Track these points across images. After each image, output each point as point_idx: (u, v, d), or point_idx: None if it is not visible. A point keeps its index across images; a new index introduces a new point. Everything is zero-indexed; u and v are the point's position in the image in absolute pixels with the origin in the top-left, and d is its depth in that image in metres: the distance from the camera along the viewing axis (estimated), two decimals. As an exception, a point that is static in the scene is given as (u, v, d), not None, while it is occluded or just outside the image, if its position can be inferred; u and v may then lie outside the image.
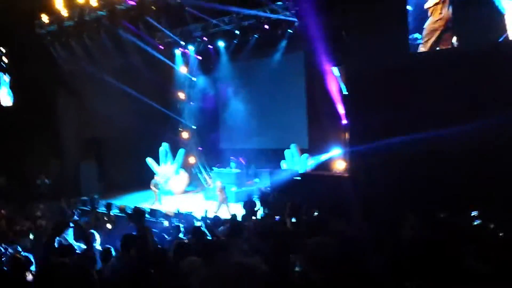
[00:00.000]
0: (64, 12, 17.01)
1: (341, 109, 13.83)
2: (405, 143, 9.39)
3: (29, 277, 5.19)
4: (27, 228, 10.00)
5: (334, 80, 14.49)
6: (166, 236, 8.24)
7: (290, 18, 15.22)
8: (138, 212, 7.73)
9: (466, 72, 9.27)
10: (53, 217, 11.30)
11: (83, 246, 6.41)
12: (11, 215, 12.32)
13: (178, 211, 12.35)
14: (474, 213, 6.97)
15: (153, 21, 16.36)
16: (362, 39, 10.77)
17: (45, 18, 17.69)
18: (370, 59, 10.25)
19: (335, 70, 14.17)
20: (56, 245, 6.74)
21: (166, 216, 12.16)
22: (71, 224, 6.94)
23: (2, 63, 20.43)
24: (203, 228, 7.36)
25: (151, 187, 16.54)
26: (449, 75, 9.52)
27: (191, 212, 12.40)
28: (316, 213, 8.85)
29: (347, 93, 12.84)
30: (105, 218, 11.87)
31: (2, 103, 20.17)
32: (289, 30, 15.86)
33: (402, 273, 4.39)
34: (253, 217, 11.08)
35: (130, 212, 11.88)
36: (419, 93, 9.65)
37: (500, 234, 5.53)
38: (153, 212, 13.55)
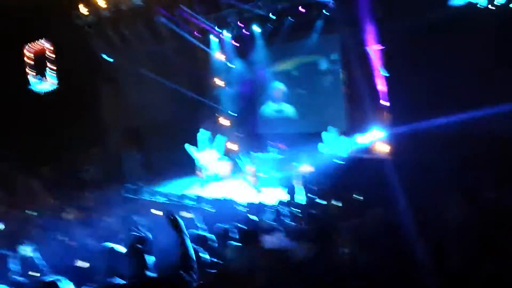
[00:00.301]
0: (101, 3, 17.34)
1: (381, 90, 13.62)
2: (450, 123, 9.20)
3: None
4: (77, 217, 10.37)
5: (372, 61, 14.27)
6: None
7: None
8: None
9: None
10: (103, 207, 11.65)
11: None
12: (62, 204, 12.76)
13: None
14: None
15: (188, 9, 16.46)
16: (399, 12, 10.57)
17: (83, 9, 18.07)
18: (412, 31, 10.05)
19: (374, 50, 13.94)
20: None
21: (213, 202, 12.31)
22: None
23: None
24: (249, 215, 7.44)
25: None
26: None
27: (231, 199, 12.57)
28: (359, 197, 8.82)
29: (387, 73, 12.63)
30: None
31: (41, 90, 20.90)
32: (324, 12, 15.62)
33: (448, 258, 4.35)
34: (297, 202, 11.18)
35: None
36: (463, 65, 9.38)
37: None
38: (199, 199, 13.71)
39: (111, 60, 18.64)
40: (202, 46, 18.95)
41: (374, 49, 13.71)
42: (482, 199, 6.75)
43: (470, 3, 10.19)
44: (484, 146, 8.96)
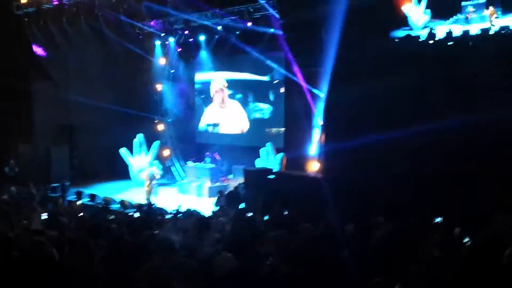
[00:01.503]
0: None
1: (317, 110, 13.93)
2: (378, 142, 9.53)
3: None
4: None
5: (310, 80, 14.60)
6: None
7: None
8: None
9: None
10: (20, 202, 11.11)
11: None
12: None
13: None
14: (438, 220, 7.13)
15: (135, 11, 16.23)
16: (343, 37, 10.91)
17: (23, -1, 17.39)
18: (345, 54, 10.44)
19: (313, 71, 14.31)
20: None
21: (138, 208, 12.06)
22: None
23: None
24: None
25: (145, 179, 16.03)
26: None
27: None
28: (286, 212, 8.92)
29: (322, 94, 12.95)
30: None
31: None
32: (270, 30, 15.86)
33: (369, 269, 4.45)
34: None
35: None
36: (396, 87, 9.77)
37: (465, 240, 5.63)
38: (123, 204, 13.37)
39: (47, 54, 17.95)
40: (142, 50, 18.69)
41: (313, 71, 14.04)
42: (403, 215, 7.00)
43: (409, 35, 10.79)
44: (412, 163, 9.35)
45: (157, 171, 16.61)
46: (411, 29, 11.07)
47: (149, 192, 15.40)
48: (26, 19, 17.77)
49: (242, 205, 12.11)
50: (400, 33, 11.04)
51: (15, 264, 4.34)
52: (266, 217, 8.52)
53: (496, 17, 10.08)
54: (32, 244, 4.72)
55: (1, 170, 17.99)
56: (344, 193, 9.33)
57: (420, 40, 10.86)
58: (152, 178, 15.81)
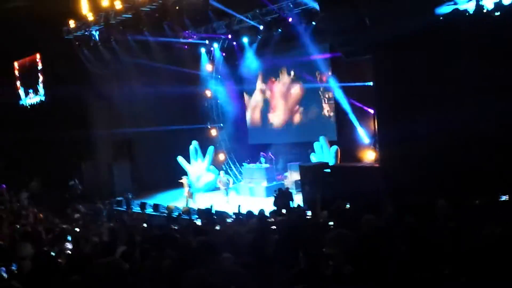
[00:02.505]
0: (90, 17, 17.37)
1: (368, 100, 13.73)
2: (435, 130, 9.26)
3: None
4: (64, 232, 10.27)
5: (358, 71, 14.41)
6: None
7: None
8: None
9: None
10: (91, 219, 11.58)
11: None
12: (49, 219, 12.65)
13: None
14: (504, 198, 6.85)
15: (177, 21, 16.52)
16: (387, 20, 10.63)
17: (72, 23, 18.09)
18: (396, 42, 10.11)
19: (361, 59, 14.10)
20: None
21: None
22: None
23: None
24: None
25: (184, 186, 16.58)
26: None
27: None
28: (347, 206, 8.83)
29: (373, 83, 12.71)
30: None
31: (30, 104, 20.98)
32: (313, 23, 15.75)
33: (433, 263, 4.36)
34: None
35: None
36: (451, 71, 9.43)
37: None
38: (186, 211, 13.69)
39: (100, 73, 18.63)
40: (189, 59, 19.06)
41: (361, 59, 13.82)
42: (467, 204, 6.80)
43: (456, 10, 10.29)
44: (470, 151, 9.03)
45: (230, 178, 17.09)
46: (455, 3, 10.15)
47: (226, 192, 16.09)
48: (77, 43, 18.49)
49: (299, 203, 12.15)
50: (445, 8, 10.50)
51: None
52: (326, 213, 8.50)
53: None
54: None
55: (66, 189, 18.87)
56: (403, 183, 9.15)
57: (468, 14, 10.26)
58: (227, 184, 16.34)
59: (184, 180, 16.53)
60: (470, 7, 10.05)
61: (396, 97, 10.29)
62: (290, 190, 13.37)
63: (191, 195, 16.18)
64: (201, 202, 15.59)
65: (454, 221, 5.84)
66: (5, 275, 5.97)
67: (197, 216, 12.26)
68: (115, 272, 3.90)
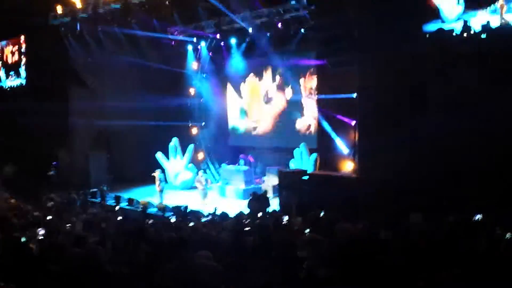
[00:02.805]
0: (78, 4, 17.13)
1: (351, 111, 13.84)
2: (417, 142, 9.39)
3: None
4: (36, 219, 10.10)
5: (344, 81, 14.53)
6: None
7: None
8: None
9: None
10: (64, 208, 11.42)
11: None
12: (21, 205, 12.42)
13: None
14: (478, 216, 6.95)
15: (167, 17, 16.44)
16: (375, 33, 10.76)
17: (59, 9, 17.81)
18: (383, 55, 10.23)
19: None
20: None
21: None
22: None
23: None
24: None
25: (156, 180, 16.43)
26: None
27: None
28: (322, 213, 8.88)
29: (357, 93, 12.84)
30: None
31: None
32: (301, 30, 15.84)
33: (408, 271, 4.41)
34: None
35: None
36: (434, 86, 9.59)
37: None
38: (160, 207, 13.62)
39: (83, 63, 18.40)
40: (175, 56, 18.99)
41: (346, 69, 13.96)
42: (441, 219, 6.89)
43: (441, 29, 10.44)
44: (449, 163, 9.18)
45: (208, 179, 16.91)
46: (443, 22, 10.28)
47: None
48: (62, 29, 18.21)
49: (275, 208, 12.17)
50: (432, 26, 10.38)
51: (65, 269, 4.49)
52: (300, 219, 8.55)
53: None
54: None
55: (44, 175, 18.56)
56: (380, 193, 9.24)
57: (454, 34, 10.38)
58: (205, 184, 16.10)
59: (156, 173, 16.44)
60: (457, 27, 10.21)
61: (379, 108, 10.40)
62: (267, 195, 13.34)
63: (161, 190, 16.13)
64: (177, 199, 15.50)
65: (426, 236, 5.92)
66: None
67: (171, 214, 12.17)
68: (92, 261, 3.89)
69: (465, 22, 9.96)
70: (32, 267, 4.49)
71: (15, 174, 18.35)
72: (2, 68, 22.65)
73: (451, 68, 9.48)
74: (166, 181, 17.23)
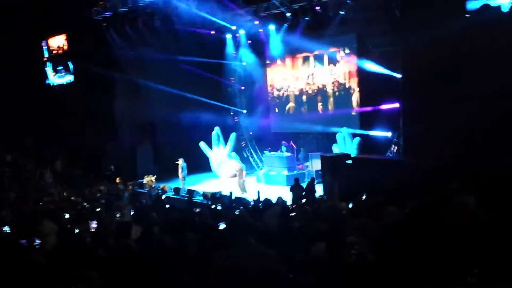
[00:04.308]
0: (119, -1, 17.43)
1: (393, 93, 13.58)
2: (463, 126, 9.11)
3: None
4: (87, 210, 10.45)
5: (384, 62, 14.28)
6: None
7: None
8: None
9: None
10: (113, 200, 11.72)
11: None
12: (72, 197, 12.86)
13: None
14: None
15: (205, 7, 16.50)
16: (417, 15, 10.44)
17: (101, 3, 18.16)
18: (427, 35, 9.89)
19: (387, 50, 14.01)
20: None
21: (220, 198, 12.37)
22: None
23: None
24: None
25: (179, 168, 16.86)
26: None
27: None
28: (366, 197, 8.77)
29: (400, 75, 12.54)
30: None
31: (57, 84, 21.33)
32: (340, 12, 15.57)
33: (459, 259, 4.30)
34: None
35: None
36: (480, 69, 9.22)
37: None
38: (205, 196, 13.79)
39: (126, 56, 18.72)
40: (214, 45, 19.06)
41: (386, 51, 13.70)
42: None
43: (487, 6, 9.95)
44: (497, 148, 8.87)
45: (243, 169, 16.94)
46: None
47: (243, 186, 15.73)
48: (104, 24, 18.59)
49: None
50: (474, 3, 9.79)
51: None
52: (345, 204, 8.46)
53: None
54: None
55: (94, 168, 19.14)
56: (427, 176, 9.04)
57: (502, 11, 9.83)
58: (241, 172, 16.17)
59: (179, 162, 16.72)
60: (505, 3, 9.55)
61: (424, 89, 10.13)
62: (314, 182, 13.22)
63: (183, 178, 16.49)
64: (221, 187, 15.67)
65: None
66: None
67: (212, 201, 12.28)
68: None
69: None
70: (89, 258, 4.65)
71: (66, 167, 18.99)
72: (49, 65, 23.32)
73: (496, 48, 9.06)
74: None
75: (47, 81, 23.27)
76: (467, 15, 9.73)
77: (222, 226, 6.39)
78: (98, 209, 10.29)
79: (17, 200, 12.06)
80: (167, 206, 10.81)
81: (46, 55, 23.28)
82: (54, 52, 22.94)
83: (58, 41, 22.61)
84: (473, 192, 7.09)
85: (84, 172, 18.48)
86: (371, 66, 15.35)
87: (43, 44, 23.20)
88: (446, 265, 4.04)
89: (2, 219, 8.58)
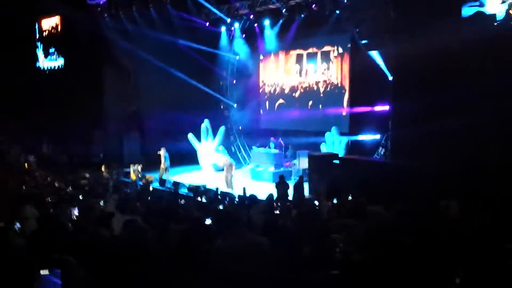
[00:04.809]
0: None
1: (384, 95, 13.61)
2: (451, 129, 9.14)
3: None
4: (70, 197, 10.32)
5: (377, 64, 14.27)
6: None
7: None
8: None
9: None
10: (96, 187, 11.62)
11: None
12: (55, 183, 12.71)
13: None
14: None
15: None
16: (412, 17, 10.46)
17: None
18: (420, 38, 9.91)
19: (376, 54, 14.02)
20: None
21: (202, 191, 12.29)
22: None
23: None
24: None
25: (161, 157, 16.77)
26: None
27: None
28: (350, 198, 8.78)
29: (391, 77, 12.57)
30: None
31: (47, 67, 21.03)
32: (336, 11, 15.56)
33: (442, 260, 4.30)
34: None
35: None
36: (471, 74, 9.26)
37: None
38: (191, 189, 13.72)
39: (118, 43, 18.56)
40: (209, 37, 18.95)
41: (380, 51, 13.70)
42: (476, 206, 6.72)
43: (481, 13, 9.97)
44: (483, 152, 8.93)
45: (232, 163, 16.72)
46: (480, 5, 9.58)
47: (230, 181, 15.54)
48: (98, 9, 18.38)
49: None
50: (468, 10, 9.77)
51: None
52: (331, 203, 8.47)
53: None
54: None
55: (79, 155, 18.96)
56: (413, 178, 9.07)
57: (495, 20, 9.82)
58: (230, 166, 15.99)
59: (161, 152, 16.66)
60: (499, 12, 9.51)
61: (415, 92, 10.15)
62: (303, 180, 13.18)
63: (165, 169, 16.45)
64: (206, 181, 15.60)
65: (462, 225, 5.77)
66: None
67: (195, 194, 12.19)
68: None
69: (510, 7, 9.22)
70: (69, 244, 4.58)
71: (51, 152, 18.78)
72: (40, 44, 22.93)
73: (490, 54, 9.10)
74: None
75: (37, 64, 22.97)
76: (463, 18, 9.77)
77: (208, 221, 6.35)
78: (81, 196, 10.18)
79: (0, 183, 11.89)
80: (151, 197, 10.72)
81: (37, 35, 22.96)
82: (46, 33, 22.60)
83: (51, 22, 22.26)
84: (458, 196, 7.17)
85: (70, 157, 18.30)
86: (364, 67, 15.34)
87: (41, 24, 22.84)
88: (430, 269, 4.04)
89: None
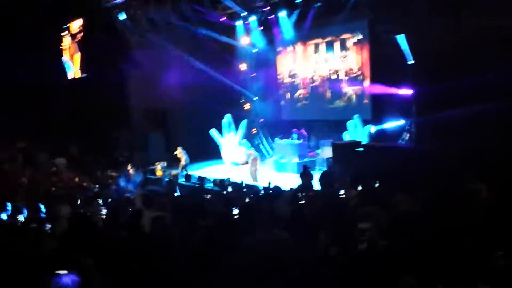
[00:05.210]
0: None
1: (406, 80, 13.44)
2: (477, 114, 9.01)
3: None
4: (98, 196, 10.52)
5: (399, 49, 14.08)
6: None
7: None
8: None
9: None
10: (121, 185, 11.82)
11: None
12: (84, 183, 12.97)
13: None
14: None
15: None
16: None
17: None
18: (440, 22, 9.75)
19: (401, 38, 13.79)
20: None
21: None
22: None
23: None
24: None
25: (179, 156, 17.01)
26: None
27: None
28: (377, 185, 8.73)
29: (413, 61, 12.41)
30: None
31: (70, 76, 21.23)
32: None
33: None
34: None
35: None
36: (495, 58, 9.10)
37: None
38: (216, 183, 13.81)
39: (137, 43, 18.71)
40: (225, 31, 18.97)
41: (402, 37, 13.51)
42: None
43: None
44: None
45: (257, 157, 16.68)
46: None
47: (254, 174, 15.59)
48: (115, 10, 18.53)
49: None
50: None
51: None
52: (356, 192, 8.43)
53: None
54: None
55: (106, 155, 19.22)
56: (439, 164, 8.96)
57: None
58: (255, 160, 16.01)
59: (178, 151, 16.78)
60: None
61: (437, 76, 10.02)
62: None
63: (184, 167, 16.64)
64: (232, 175, 15.68)
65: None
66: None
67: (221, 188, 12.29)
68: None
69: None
70: (100, 241, 4.70)
71: (79, 154, 19.09)
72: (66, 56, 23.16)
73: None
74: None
75: (68, 75, 23.08)
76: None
77: (235, 211, 6.41)
78: (108, 195, 10.38)
79: (30, 185, 12.19)
80: (178, 193, 10.86)
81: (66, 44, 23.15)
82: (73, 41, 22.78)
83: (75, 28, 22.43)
84: (485, 180, 7.07)
85: (97, 157, 18.58)
86: (383, 52, 15.15)
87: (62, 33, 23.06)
88: (458, 254, 4.02)
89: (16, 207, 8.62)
